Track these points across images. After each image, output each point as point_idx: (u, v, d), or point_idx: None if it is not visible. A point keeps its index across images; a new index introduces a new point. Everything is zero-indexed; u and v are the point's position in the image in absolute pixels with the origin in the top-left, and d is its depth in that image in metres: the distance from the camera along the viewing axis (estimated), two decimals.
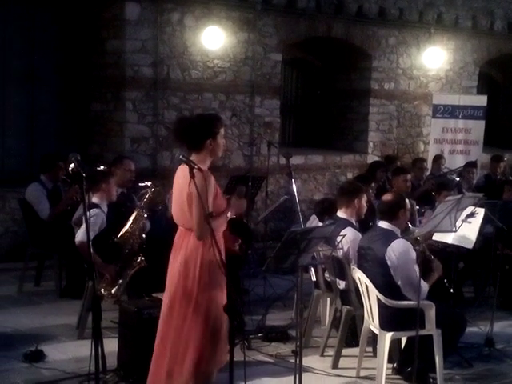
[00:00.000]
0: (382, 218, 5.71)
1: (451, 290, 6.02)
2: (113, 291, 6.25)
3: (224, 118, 10.24)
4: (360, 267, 5.66)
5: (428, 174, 10.61)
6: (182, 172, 4.63)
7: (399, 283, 5.41)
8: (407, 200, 5.83)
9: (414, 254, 5.47)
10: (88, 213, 6.39)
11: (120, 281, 6.30)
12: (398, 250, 5.40)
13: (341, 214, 6.35)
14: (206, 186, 4.45)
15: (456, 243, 6.80)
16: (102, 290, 6.23)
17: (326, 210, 6.93)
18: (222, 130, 4.76)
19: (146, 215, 6.68)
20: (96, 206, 6.63)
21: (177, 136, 4.83)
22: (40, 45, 9.94)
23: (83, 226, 6.45)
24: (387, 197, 5.83)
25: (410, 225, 5.94)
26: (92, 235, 6.39)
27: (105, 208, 6.76)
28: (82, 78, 10.21)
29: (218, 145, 4.72)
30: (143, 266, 6.32)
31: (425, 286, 5.41)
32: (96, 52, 10.11)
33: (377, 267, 5.47)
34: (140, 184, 6.91)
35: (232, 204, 4.80)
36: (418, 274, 5.33)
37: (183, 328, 4.60)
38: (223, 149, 4.82)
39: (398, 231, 5.64)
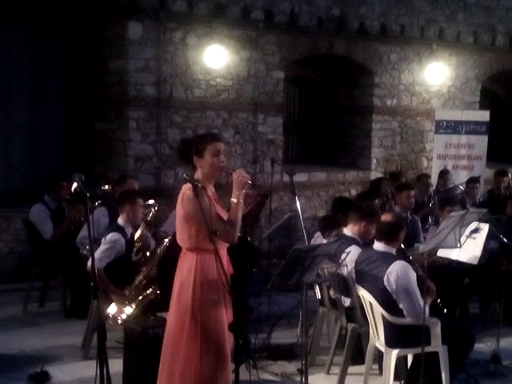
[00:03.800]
0: (381, 239, 5.67)
1: (445, 311, 5.99)
2: (119, 320, 6.20)
3: (227, 136, 10.31)
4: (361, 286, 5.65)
5: (433, 189, 10.59)
6: (181, 192, 4.63)
7: (401, 306, 5.39)
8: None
9: (413, 275, 5.43)
10: (109, 234, 6.43)
11: (130, 309, 6.23)
12: (397, 274, 5.36)
13: (347, 231, 6.34)
14: (210, 204, 4.44)
15: (461, 259, 6.79)
16: (111, 316, 6.21)
17: (327, 226, 6.92)
18: (213, 147, 4.57)
19: (149, 234, 6.69)
20: (119, 228, 6.57)
21: (176, 155, 4.86)
22: (44, 64, 9.99)
23: (97, 251, 6.40)
24: (387, 217, 5.79)
25: (402, 246, 5.91)
26: (107, 261, 6.38)
27: (129, 231, 6.67)
28: (85, 98, 10.26)
29: (206, 162, 4.57)
30: (155, 299, 6.27)
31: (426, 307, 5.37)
32: (99, 71, 10.16)
33: (378, 292, 5.44)
34: (144, 203, 6.90)
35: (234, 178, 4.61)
36: (418, 295, 5.31)
37: (180, 349, 4.55)
38: (218, 167, 4.62)
39: (393, 251, 5.63)
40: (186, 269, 4.59)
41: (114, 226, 6.65)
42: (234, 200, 4.55)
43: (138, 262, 6.52)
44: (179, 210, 4.59)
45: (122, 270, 6.38)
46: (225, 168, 4.70)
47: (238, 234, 4.73)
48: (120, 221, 6.65)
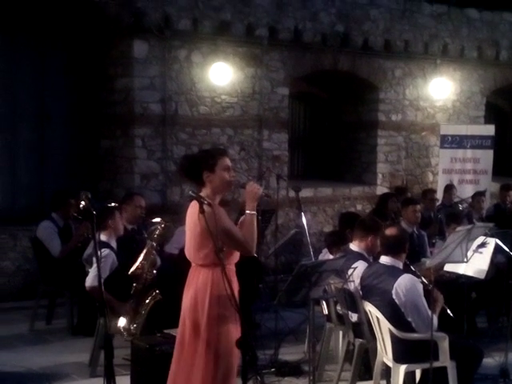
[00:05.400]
0: (388, 253, 5.66)
1: (451, 315, 5.97)
2: (132, 328, 6.21)
3: (232, 153, 10.33)
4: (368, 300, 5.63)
5: (439, 204, 10.57)
6: (192, 209, 4.61)
7: (409, 319, 5.37)
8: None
9: (420, 288, 5.42)
10: (99, 252, 6.44)
11: (139, 318, 6.25)
12: (406, 287, 5.35)
13: (354, 246, 6.33)
14: (217, 220, 4.43)
15: (468, 274, 6.77)
16: (123, 329, 6.20)
17: (335, 242, 6.91)
18: (223, 162, 4.58)
19: (156, 251, 6.69)
20: (105, 244, 6.61)
21: (180, 172, 4.84)
22: (50, 83, 10.06)
23: (92, 270, 6.44)
24: (392, 231, 5.77)
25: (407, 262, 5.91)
26: (103, 277, 6.37)
27: (114, 244, 6.76)
28: (91, 116, 10.31)
29: (217, 177, 4.56)
30: (159, 300, 6.30)
31: (434, 318, 5.35)
32: (105, 90, 10.22)
33: (386, 305, 5.43)
34: (150, 220, 6.91)
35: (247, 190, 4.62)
36: (427, 308, 5.31)
37: (193, 364, 4.52)
38: (228, 181, 4.61)
39: (400, 264, 5.62)
40: (200, 283, 4.54)
41: (99, 243, 6.63)
42: (249, 212, 4.56)
43: (132, 276, 6.51)
44: (195, 227, 4.53)
45: (121, 282, 6.37)
46: (233, 183, 4.70)
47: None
48: (103, 237, 6.66)
